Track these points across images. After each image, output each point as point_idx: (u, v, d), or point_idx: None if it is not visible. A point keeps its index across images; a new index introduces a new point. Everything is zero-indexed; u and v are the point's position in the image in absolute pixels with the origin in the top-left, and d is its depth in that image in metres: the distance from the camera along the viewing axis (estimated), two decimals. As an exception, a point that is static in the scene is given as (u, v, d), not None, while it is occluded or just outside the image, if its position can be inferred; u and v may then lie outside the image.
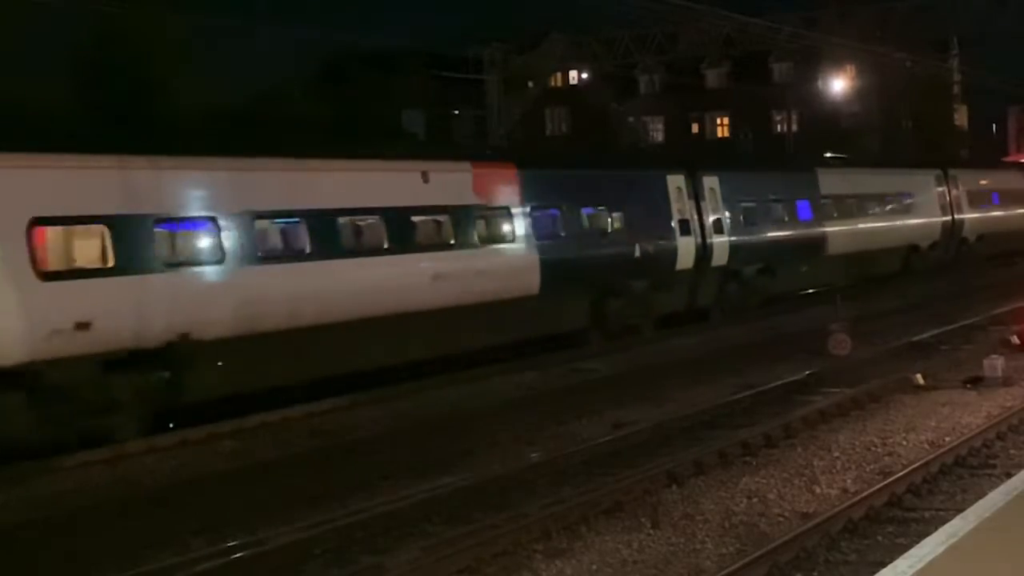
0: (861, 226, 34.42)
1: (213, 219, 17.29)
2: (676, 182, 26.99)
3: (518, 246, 22.60)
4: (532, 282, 22.52)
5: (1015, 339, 22.48)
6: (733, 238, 28.46)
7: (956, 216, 39.97)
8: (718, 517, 11.97)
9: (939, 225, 39.04)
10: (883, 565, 7.18)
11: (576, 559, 10.83)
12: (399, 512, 12.23)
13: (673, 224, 26.63)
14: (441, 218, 21.24)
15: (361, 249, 19.78)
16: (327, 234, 18.86)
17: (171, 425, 16.89)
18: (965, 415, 16.67)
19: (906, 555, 6.85)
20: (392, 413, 18.27)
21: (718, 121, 78.55)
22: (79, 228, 15.92)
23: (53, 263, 15.40)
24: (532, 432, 16.55)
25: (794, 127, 66.98)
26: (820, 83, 65.07)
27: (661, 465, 13.68)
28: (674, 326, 26.83)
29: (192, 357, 16.48)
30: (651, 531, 11.51)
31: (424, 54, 53.40)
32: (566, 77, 75.26)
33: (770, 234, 30.13)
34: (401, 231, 20.20)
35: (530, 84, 53.33)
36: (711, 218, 27.80)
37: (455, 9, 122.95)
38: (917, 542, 7.38)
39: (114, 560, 11.00)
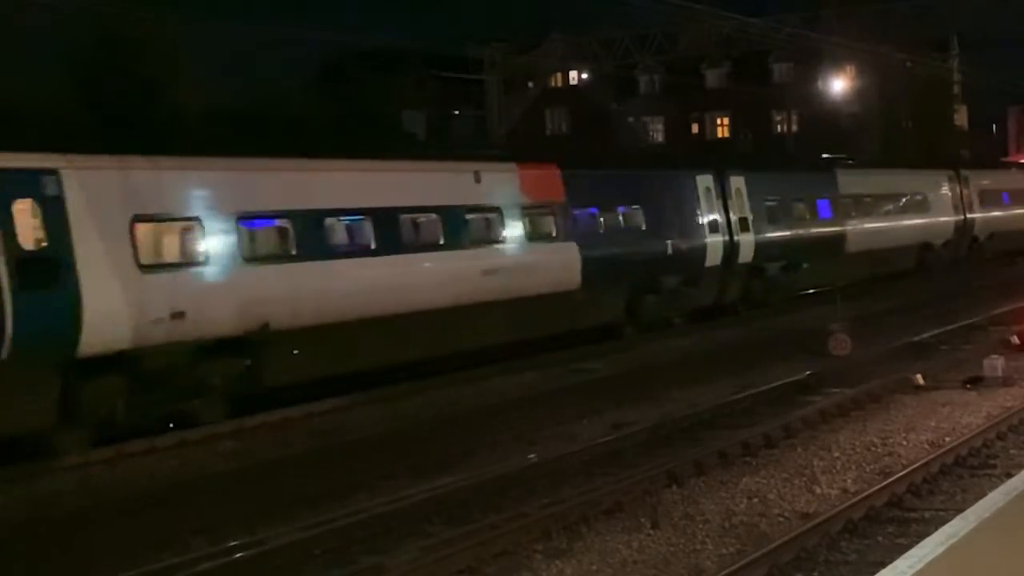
0: (878, 225, 35.38)
1: (288, 217, 18.48)
2: (705, 182, 27.98)
3: (561, 243, 23.57)
4: (574, 277, 23.51)
5: (1015, 339, 22.48)
6: (758, 236, 29.38)
7: (968, 215, 40.99)
8: (718, 517, 11.97)
9: (952, 224, 40.03)
10: (883, 565, 7.19)
11: (576, 559, 10.83)
12: (399, 512, 12.23)
13: (703, 223, 27.69)
14: (491, 216, 22.25)
15: (420, 245, 20.77)
16: (389, 231, 19.95)
17: (171, 425, 16.91)
18: (965, 415, 16.66)
19: (906, 555, 6.85)
20: (392, 413, 18.28)
21: (718, 121, 78.51)
22: (174, 225, 17.17)
23: (152, 257, 16.60)
24: (532, 432, 16.55)
25: (794, 127, 66.98)
26: (820, 83, 65.04)
27: (661, 465, 13.67)
28: (703, 320, 27.64)
29: (270, 345, 17.64)
30: (651, 531, 11.51)
31: (424, 54, 53.41)
32: (566, 77, 75.21)
33: (792, 232, 31.04)
34: (456, 228, 21.24)
35: (530, 84, 53.31)
36: (737, 217, 28.74)
37: (455, 9, 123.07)
38: (917, 542, 7.38)
39: (114, 560, 11.00)
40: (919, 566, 6.55)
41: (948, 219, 39.90)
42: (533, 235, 23.11)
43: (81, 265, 15.41)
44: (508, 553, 10.95)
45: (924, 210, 38.57)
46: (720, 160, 30.85)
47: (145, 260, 16.30)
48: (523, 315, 22.00)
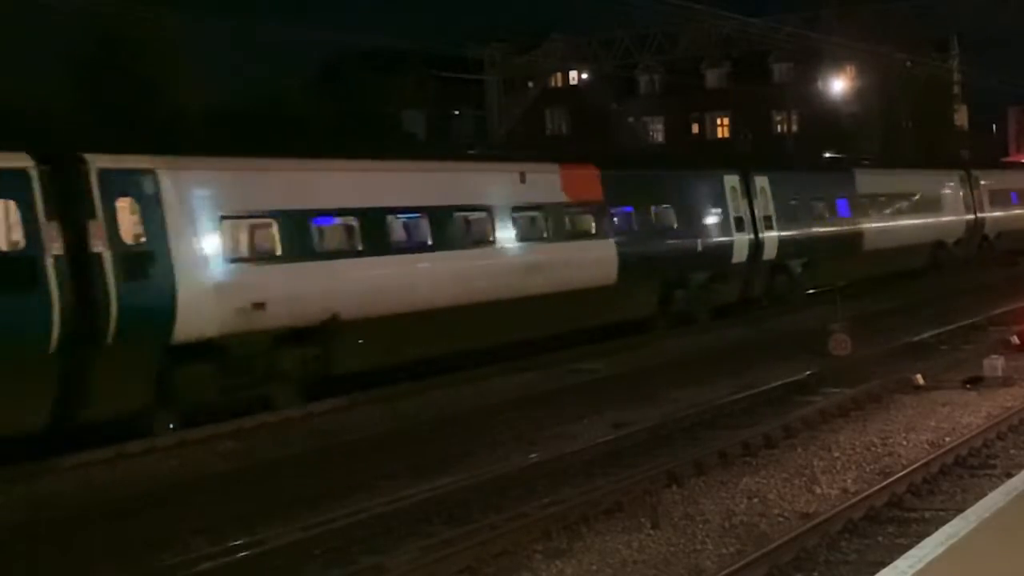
0: (894, 223, 36.25)
1: (354, 214, 19.59)
2: (731, 182, 28.99)
3: (599, 240, 24.67)
4: (611, 272, 24.54)
5: (1015, 339, 22.48)
6: (781, 234, 30.31)
7: (979, 214, 41.86)
8: (718, 517, 11.97)
9: (963, 223, 40.94)
10: (883, 565, 7.19)
11: (576, 559, 10.83)
12: (399, 512, 12.23)
13: (730, 221, 28.69)
14: (535, 214, 23.31)
15: (471, 241, 21.86)
16: (444, 228, 21.11)
17: (171, 426, 16.92)
18: (965, 415, 16.66)
19: (906, 555, 6.86)
20: (392, 413, 18.28)
21: (718, 121, 78.47)
22: (256, 222, 18.27)
23: (237, 252, 17.79)
24: (532, 432, 16.55)
25: (794, 127, 66.96)
26: (820, 83, 65.01)
27: (661, 465, 13.67)
28: (728, 315, 28.56)
29: (339, 334, 18.73)
30: (651, 531, 11.51)
31: (424, 54, 53.37)
32: (566, 77, 75.15)
33: (813, 230, 31.95)
34: (503, 226, 22.31)
35: (530, 84, 53.30)
36: (762, 215, 29.71)
37: (455, 9, 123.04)
38: (917, 542, 7.39)
39: (114, 560, 11.01)
40: (919, 566, 6.56)
41: (960, 218, 40.83)
42: (574, 233, 24.19)
43: (175, 258, 16.64)
44: (508, 553, 10.95)
45: (937, 209, 39.46)
46: (745, 160, 31.90)
47: (230, 254, 17.53)
48: (564, 309, 23.00)
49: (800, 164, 37.57)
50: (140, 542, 11.55)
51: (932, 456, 13.74)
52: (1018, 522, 7.83)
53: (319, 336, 18.55)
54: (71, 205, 15.64)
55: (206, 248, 17.12)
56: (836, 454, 14.59)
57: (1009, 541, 7.63)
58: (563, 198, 23.93)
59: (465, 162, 23.80)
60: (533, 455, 14.83)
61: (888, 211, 36.25)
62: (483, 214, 22.04)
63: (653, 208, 26.61)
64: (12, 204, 15.13)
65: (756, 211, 29.48)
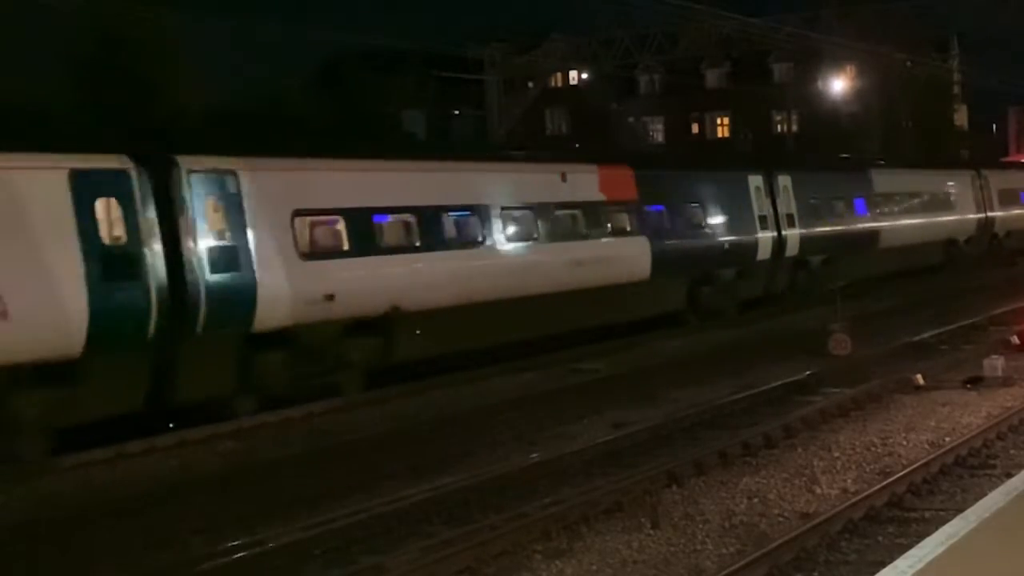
0: (908, 221, 37.28)
1: (413, 212, 20.65)
2: (756, 181, 29.97)
3: (635, 237, 25.64)
4: (645, 268, 25.53)
5: (1015, 339, 22.48)
6: (802, 231, 31.28)
7: (988, 214, 42.94)
8: (718, 517, 11.97)
9: (975, 221, 42.04)
10: (883, 565, 7.18)
11: (576, 559, 10.83)
12: (399, 512, 12.22)
13: (754, 219, 29.62)
14: (575, 212, 24.26)
15: (518, 238, 22.78)
16: (492, 225, 22.12)
17: (171, 425, 16.93)
18: (965, 415, 16.66)
19: (906, 555, 6.86)
20: (392, 413, 18.28)
21: (718, 121, 78.48)
22: (324, 219, 19.38)
23: (309, 247, 18.79)
24: (532, 432, 16.54)
25: (794, 127, 66.94)
26: (820, 83, 65.01)
27: (661, 465, 13.67)
28: (753, 310, 29.51)
29: (399, 325, 19.79)
30: (651, 531, 11.51)
31: (424, 54, 53.37)
32: (566, 77, 75.16)
33: (832, 228, 33.00)
34: (546, 223, 23.37)
35: (530, 84, 53.29)
36: (784, 213, 30.68)
37: (455, 9, 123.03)
38: (917, 542, 7.38)
39: (114, 560, 11.00)
40: (919, 566, 6.56)
41: (971, 217, 41.82)
42: (610, 230, 25.13)
43: (255, 253, 17.69)
44: (508, 553, 10.94)
45: (949, 208, 40.45)
46: (768, 161, 32.85)
47: (303, 249, 18.56)
48: (602, 303, 23.98)
49: (820, 164, 38.38)
50: (140, 542, 11.54)
51: (932, 456, 13.74)
52: (1018, 522, 7.83)
53: (381, 326, 19.60)
54: (164, 203, 16.72)
55: (282, 243, 18.16)
56: (836, 454, 14.59)
57: (1009, 541, 7.63)
58: (601, 197, 24.87)
59: (511, 163, 24.81)
60: (533, 455, 14.82)
61: (903, 210, 37.25)
62: (528, 212, 23.07)
63: (683, 207, 27.61)
64: (114, 202, 16.15)
65: (779, 210, 30.44)
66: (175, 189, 16.90)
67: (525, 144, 48.16)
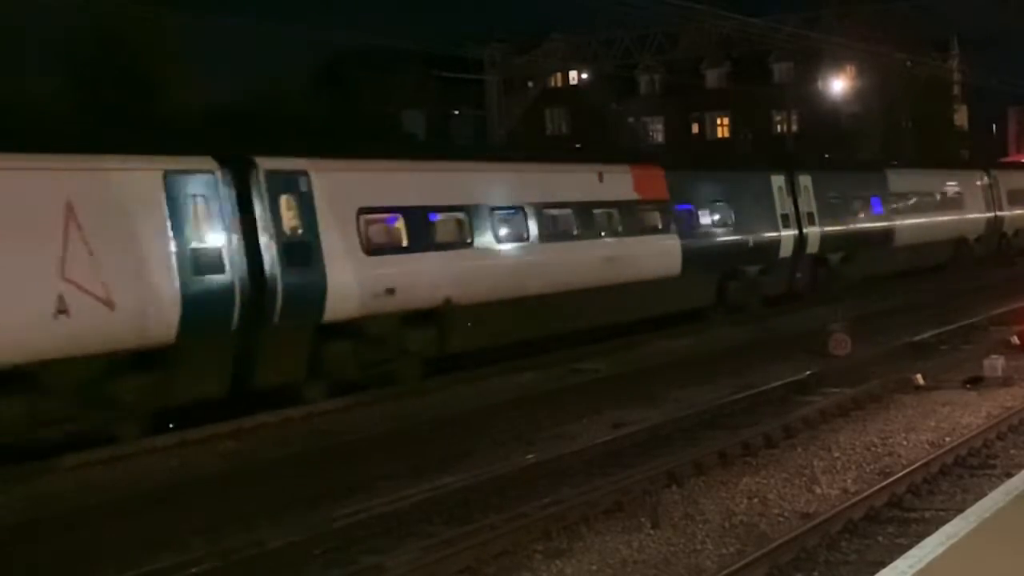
0: (922, 220, 38.26)
1: (465, 210, 21.70)
2: (778, 181, 30.96)
3: (666, 235, 26.68)
4: (676, 265, 26.58)
5: (1015, 339, 22.48)
6: (823, 229, 32.28)
7: (998, 213, 44.00)
8: (718, 517, 11.97)
9: (984, 221, 43.07)
10: (883, 565, 7.21)
11: (576, 559, 10.83)
12: (399, 512, 12.23)
13: (777, 218, 30.63)
14: (612, 211, 25.20)
15: (559, 235, 23.72)
16: (536, 223, 23.08)
17: (171, 425, 16.94)
18: (965, 415, 16.66)
19: (906, 555, 6.87)
20: (392, 413, 18.28)
21: (718, 121, 78.44)
22: (386, 216, 20.39)
23: (372, 243, 19.75)
24: (532, 432, 16.55)
25: (794, 127, 66.91)
26: (820, 83, 64.97)
27: (661, 465, 13.67)
28: (776, 305, 30.42)
29: (451, 317, 20.80)
30: (651, 531, 11.51)
31: (424, 54, 53.32)
32: (566, 77, 75.10)
33: (850, 226, 34.04)
34: (585, 221, 24.38)
35: (530, 84, 53.24)
36: (805, 212, 31.66)
37: (455, 9, 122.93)
38: (917, 542, 7.41)
39: (114, 560, 11.00)
40: (919, 566, 6.57)
41: (981, 216, 42.84)
42: (644, 228, 26.16)
43: (325, 249, 18.71)
44: (508, 553, 10.95)
45: (960, 207, 41.44)
46: (789, 161, 33.80)
47: (366, 245, 19.54)
48: (636, 297, 24.99)
49: (838, 164, 39.66)
50: (140, 542, 11.54)
51: (932, 456, 13.74)
52: (1018, 522, 7.84)
53: (436, 318, 20.62)
54: (245, 202, 17.73)
55: (348, 239, 19.19)
56: (836, 454, 14.60)
57: (1009, 541, 7.64)
58: (635, 196, 25.90)
59: (553, 163, 26.01)
60: (533, 455, 14.82)
61: (917, 209, 38.19)
62: (569, 211, 24.00)
63: (711, 206, 28.46)
64: (201, 200, 17.15)
65: (800, 208, 31.36)
66: (254, 188, 17.95)
67: (526, 145, 48.22)
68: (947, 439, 15.07)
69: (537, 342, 22.73)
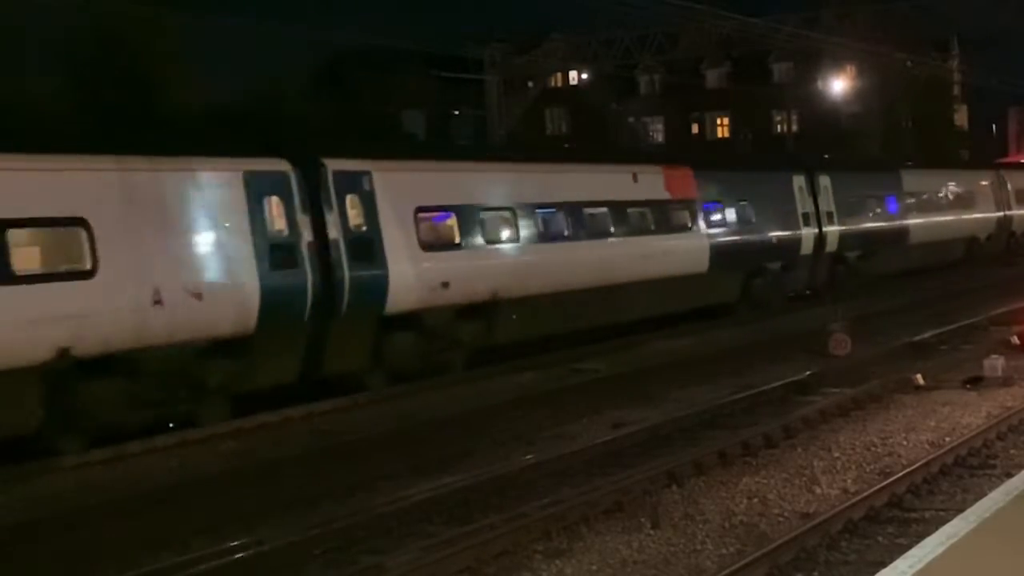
0: (935, 219, 39.29)
1: (511, 209, 22.73)
2: (799, 181, 31.96)
3: (695, 232, 27.71)
4: (704, 261, 27.61)
5: (1015, 339, 22.47)
6: (841, 228, 33.21)
7: (1007, 212, 45.09)
8: (718, 517, 11.96)
9: (994, 220, 44.12)
10: (883, 565, 7.21)
11: (576, 559, 10.83)
12: (399, 512, 12.23)
13: (799, 216, 31.59)
14: (645, 210, 26.20)
15: (596, 232, 24.69)
16: (576, 221, 24.14)
17: (171, 425, 16.95)
18: (965, 415, 16.66)
19: (906, 555, 6.87)
20: (392, 413, 18.27)
21: (718, 121, 78.46)
22: (442, 214, 21.52)
23: (428, 239, 20.86)
24: (532, 432, 16.55)
25: (794, 127, 66.90)
26: (820, 83, 64.95)
27: (661, 465, 13.67)
28: (797, 300, 31.53)
29: (499, 310, 21.87)
30: (651, 531, 11.51)
31: (424, 54, 53.34)
32: (566, 77, 75.10)
33: (867, 225, 35.10)
34: (621, 219, 25.33)
35: (530, 84, 53.23)
36: (824, 211, 32.54)
37: (455, 9, 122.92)
38: (917, 542, 7.41)
39: (114, 560, 11.00)
40: (919, 566, 6.57)
41: (991, 215, 43.86)
42: (674, 226, 27.12)
43: (386, 244, 19.79)
44: (508, 553, 10.94)
45: (971, 207, 42.46)
46: (809, 161, 34.54)
47: (423, 241, 20.64)
48: (667, 292, 25.92)
49: (856, 165, 40.26)
50: (140, 542, 11.54)
51: (932, 456, 13.74)
52: (1018, 522, 7.84)
53: (484, 311, 21.67)
54: (315, 200, 18.81)
55: (407, 236, 20.27)
56: (836, 454, 14.59)
57: (1009, 541, 7.64)
58: (666, 196, 26.93)
59: (590, 164, 26.96)
60: (533, 455, 14.81)
61: (930, 208, 39.20)
62: (606, 209, 24.97)
63: (736, 205, 29.31)
64: (276, 199, 18.26)
65: (820, 208, 32.24)
66: (323, 188, 19.01)
67: (526, 144, 48.22)
68: (947, 439, 15.07)
69: (575, 334, 23.65)
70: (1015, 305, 27.03)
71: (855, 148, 60.21)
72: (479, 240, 21.90)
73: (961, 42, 66.99)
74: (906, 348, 22.76)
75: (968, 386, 18.68)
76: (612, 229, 25.02)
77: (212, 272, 17.20)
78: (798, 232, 31.42)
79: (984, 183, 43.89)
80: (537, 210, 23.37)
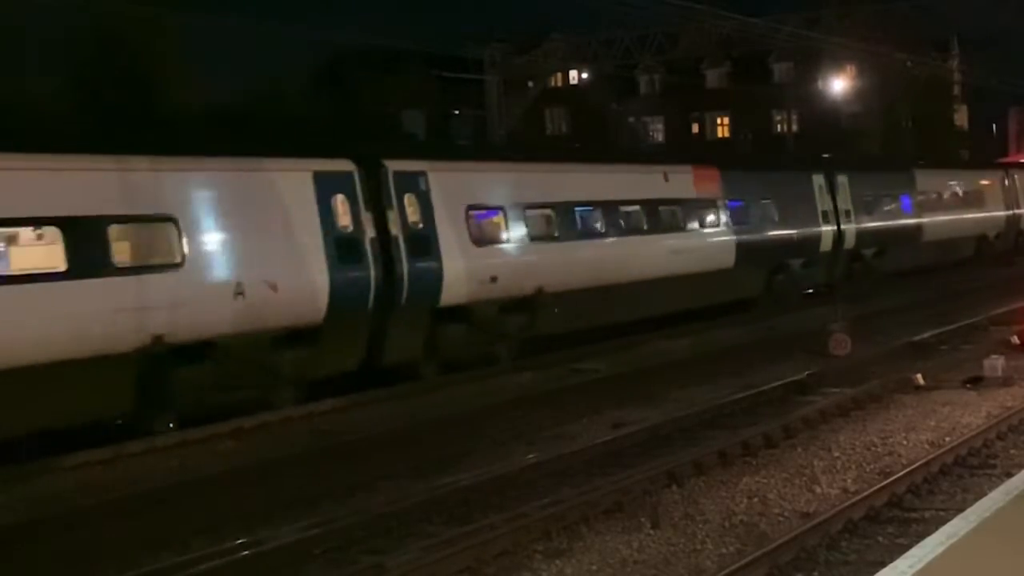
0: (947, 218, 40.18)
1: (552, 207, 23.77)
2: (819, 180, 33.02)
3: (722, 230, 28.73)
4: (730, 258, 28.67)
5: (1015, 339, 22.47)
6: (858, 226, 34.29)
7: (1016, 211, 46.03)
8: (718, 517, 11.96)
9: (1004, 218, 45.12)
10: (883, 565, 7.21)
11: (576, 559, 10.82)
12: (399, 512, 12.22)
13: (818, 214, 32.66)
14: (675, 208, 27.26)
15: (632, 230, 25.70)
16: (613, 219, 25.20)
17: (171, 425, 16.95)
18: (965, 415, 16.65)
19: (906, 555, 6.87)
20: (392, 413, 18.27)
21: (718, 121, 78.46)
22: (490, 212, 22.56)
23: (478, 236, 21.90)
24: (532, 432, 16.54)
25: (794, 127, 66.90)
26: (820, 83, 64.97)
27: (661, 465, 13.66)
28: (815, 296, 32.16)
29: (542, 304, 22.83)
30: (651, 531, 11.50)
31: (424, 54, 53.34)
32: (566, 77, 75.10)
33: (883, 223, 35.98)
34: (654, 217, 26.36)
35: (530, 84, 53.22)
36: (843, 209, 33.58)
37: (455, 9, 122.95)
38: (917, 542, 7.41)
39: (114, 560, 11.00)
40: (919, 566, 6.57)
41: (1001, 214, 44.84)
42: (703, 223, 28.11)
43: (441, 241, 20.88)
44: (508, 553, 10.94)
45: (982, 206, 43.38)
46: (827, 161, 35.95)
47: (474, 238, 21.71)
48: (695, 288, 26.85)
49: (871, 164, 41.43)
50: (140, 542, 11.54)
51: (932, 456, 13.73)
52: (1018, 522, 7.84)
53: (529, 305, 22.62)
54: (376, 199, 19.87)
55: (459, 233, 21.36)
56: (836, 454, 14.59)
57: (1009, 541, 7.64)
58: (695, 194, 27.93)
59: (626, 164, 28.41)
60: (533, 455, 14.81)
61: (942, 207, 40.07)
62: (640, 208, 26.01)
63: (761, 203, 30.38)
64: (342, 197, 19.33)
65: (838, 206, 33.24)
66: (384, 187, 20.06)
67: (526, 144, 48.22)
68: (947, 439, 15.06)
69: (612, 327, 24.54)
70: (1015, 305, 27.02)
71: (855, 148, 60.23)
72: (524, 237, 22.86)
73: (961, 42, 67.01)
74: (906, 348, 22.76)
75: (968, 386, 18.68)
76: (646, 227, 25.98)
77: (286, 266, 18.28)
78: (818, 229, 32.43)
79: (993, 182, 44.68)
80: (577, 208, 24.34)
